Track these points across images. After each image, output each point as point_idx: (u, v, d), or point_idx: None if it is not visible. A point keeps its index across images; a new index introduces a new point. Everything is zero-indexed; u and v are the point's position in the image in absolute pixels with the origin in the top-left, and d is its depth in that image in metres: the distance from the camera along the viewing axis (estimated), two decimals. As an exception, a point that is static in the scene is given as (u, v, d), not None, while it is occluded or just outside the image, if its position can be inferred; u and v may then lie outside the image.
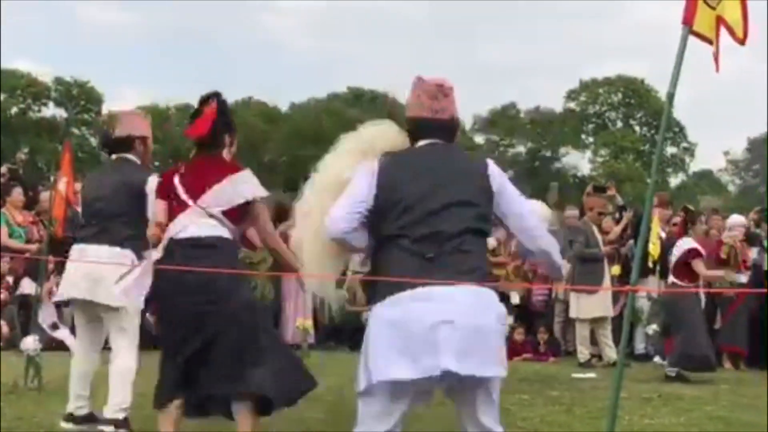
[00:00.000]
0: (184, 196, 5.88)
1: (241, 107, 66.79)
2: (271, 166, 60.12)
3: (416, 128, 4.70)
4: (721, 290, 13.72)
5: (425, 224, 4.37)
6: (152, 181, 6.66)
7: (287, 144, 63.06)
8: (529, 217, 4.69)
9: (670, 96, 3.63)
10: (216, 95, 6.21)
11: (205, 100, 6.19)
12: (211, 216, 5.80)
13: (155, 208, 6.17)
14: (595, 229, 13.72)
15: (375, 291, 4.43)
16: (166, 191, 6.04)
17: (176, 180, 5.97)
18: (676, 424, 8.66)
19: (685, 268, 11.93)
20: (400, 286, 4.25)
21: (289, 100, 72.96)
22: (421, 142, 4.67)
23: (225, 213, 5.83)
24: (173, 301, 5.75)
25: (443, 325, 4.17)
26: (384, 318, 4.31)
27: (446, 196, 4.42)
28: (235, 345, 5.70)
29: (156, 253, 5.81)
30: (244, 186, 5.95)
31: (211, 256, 5.67)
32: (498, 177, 4.63)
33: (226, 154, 6.16)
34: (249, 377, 5.69)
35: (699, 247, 12.04)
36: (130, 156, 7.19)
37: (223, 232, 5.82)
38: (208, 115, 6.07)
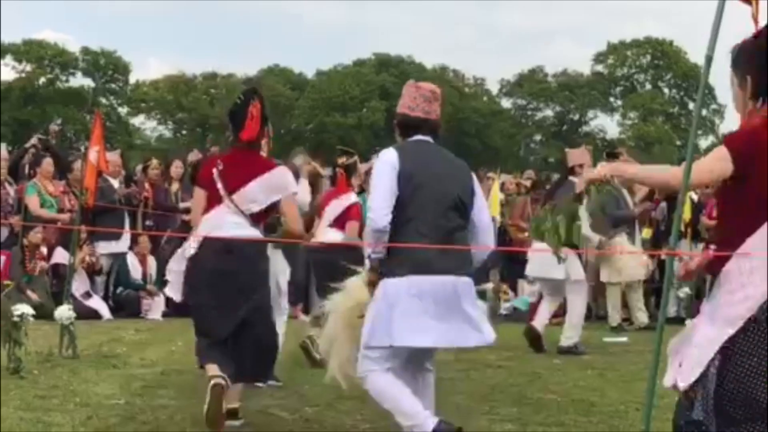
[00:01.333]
0: (222, 191, 6.18)
1: (266, 74, 66.77)
2: (297, 133, 60.20)
3: (409, 125, 5.49)
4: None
5: (433, 213, 5.24)
6: None
7: (313, 111, 63.04)
8: (487, 231, 5.56)
9: (709, 59, 3.56)
10: (256, 92, 6.47)
11: (246, 99, 6.40)
12: (243, 213, 6.18)
13: (195, 196, 6.51)
14: (624, 191, 13.63)
15: (394, 265, 5.25)
16: (206, 182, 6.30)
17: (215, 172, 6.20)
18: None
19: None
20: (420, 265, 5.16)
21: (315, 66, 72.86)
22: (414, 138, 5.47)
23: (255, 213, 6.23)
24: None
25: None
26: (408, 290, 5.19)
27: (450, 187, 5.32)
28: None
29: (191, 249, 6.24)
30: (277, 184, 6.29)
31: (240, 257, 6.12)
32: (476, 182, 5.54)
33: (264, 146, 6.61)
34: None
35: None
36: None
37: (251, 231, 6.18)
38: (255, 116, 6.31)
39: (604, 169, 4.26)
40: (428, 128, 5.46)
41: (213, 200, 6.21)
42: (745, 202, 3.71)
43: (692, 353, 3.75)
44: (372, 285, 5.34)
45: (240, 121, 6.30)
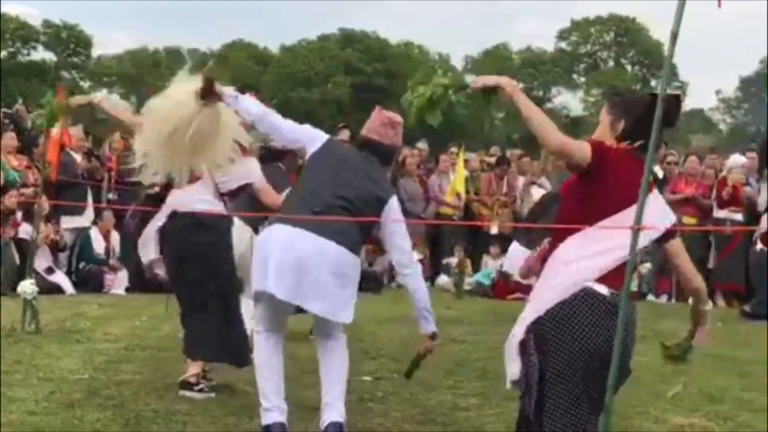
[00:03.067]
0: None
1: (230, 49, 66.35)
2: (261, 108, 59.81)
3: (362, 143, 5.82)
4: (721, 229, 13.78)
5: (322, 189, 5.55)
6: None
7: (278, 86, 62.74)
8: (401, 252, 5.76)
9: (674, 35, 3.57)
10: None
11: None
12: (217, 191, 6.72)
13: None
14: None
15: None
16: None
17: None
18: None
19: None
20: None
21: (280, 41, 72.42)
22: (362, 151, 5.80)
23: (228, 191, 6.78)
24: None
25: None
26: None
27: (352, 183, 5.57)
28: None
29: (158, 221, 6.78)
30: (246, 172, 6.79)
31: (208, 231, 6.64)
32: (394, 208, 5.71)
33: None
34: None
35: None
36: None
37: (218, 208, 6.73)
38: None
39: (501, 79, 4.45)
40: (376, 148, 5.75)
41: (192, 178, 6.61)
42: (586, 201, 4.19)
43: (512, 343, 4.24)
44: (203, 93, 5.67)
45: None
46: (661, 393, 7.06)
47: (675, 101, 4.39)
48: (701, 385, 7.61)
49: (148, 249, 6.84)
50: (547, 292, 4.15)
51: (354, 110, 57.98)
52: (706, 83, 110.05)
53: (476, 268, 15.21)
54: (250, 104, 5.74)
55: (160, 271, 6.88)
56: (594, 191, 4.17)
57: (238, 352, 6.70)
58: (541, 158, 15.26)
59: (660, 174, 14.62)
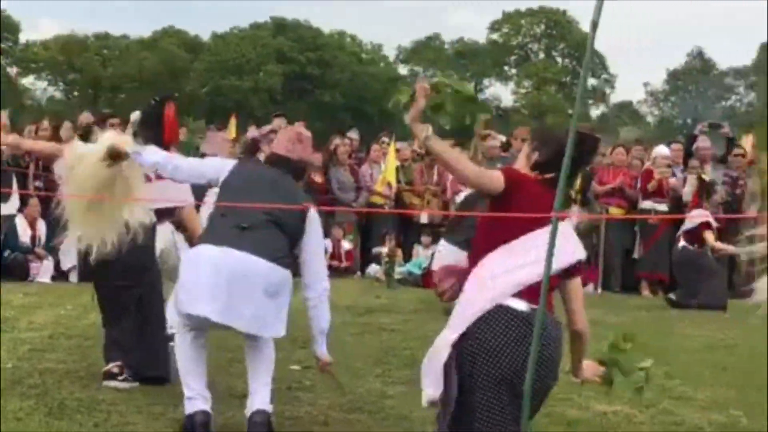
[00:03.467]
0: None
1: (161, 36, 65.67)
2: (192, 96, 59.38)
3: (272, 160, 5.94)
4: (645, 216, 13.96)
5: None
6: None
7: (209, 74, 62.23)
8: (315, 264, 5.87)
9: (594, 24, 3.61)
10: (170, 97, 7.08)
11: (160, 102, 6.94)
12: None
13: None
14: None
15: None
16: None
17: None
18: (596, 351, 8.80)
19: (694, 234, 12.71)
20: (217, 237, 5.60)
21: (211, 29, 71.86)
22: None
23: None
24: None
25: None
26: None
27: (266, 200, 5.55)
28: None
29: None
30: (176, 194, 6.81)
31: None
32: (312, 223, 5.78)
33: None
34: None
35: (711, 220, 12.56)
36: None
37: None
38: (172, 119, 6.87)
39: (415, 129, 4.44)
40: (286, 164, 5.85)
41: None
42: (498, 227, 4.24)
43: (434, 363, 4.23)
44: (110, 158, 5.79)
45: (158, 124, 6.75)
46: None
47: (593, 142, 4.54)
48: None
49: (69, 256, 6.83)
50: (468, 309, 4.16)
51: (286, 99, 57.85)
52: (635, 76, 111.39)
53: (407, 258, 15.26)
54: (153, 156, 5.83)
55: (74, 279, 6.91)
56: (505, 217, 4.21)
57: (156, 362, 6.67)
58: (471, 148, 15.33)
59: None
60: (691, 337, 9.95)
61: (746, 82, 67.09)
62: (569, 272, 4.33)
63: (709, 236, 12.59)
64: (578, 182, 13.89)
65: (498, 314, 4.09)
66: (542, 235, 4.01)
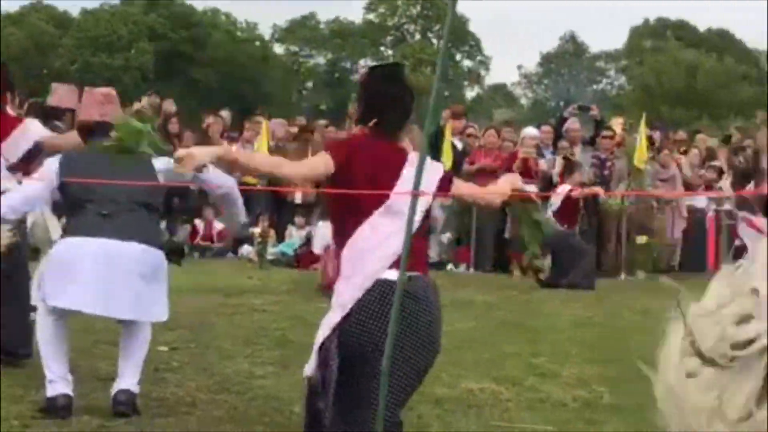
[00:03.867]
0: None
1: (28, 11, 63.92)
2: (61, 72, 57.98)
3: (86, 129, 5.85)
4: (520, 194, 14.10)
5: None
6: None
7: (78, 50, 60.81)
8: None
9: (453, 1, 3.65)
10: None
11: None
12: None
13: None
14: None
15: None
16: None
17: None
18: (468, 329, 8.94)
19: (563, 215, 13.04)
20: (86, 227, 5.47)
21: (81, 5, 70.20)
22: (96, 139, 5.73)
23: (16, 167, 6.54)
24: None
25: None
26: None
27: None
28: None
29: None
30: (30, 133, 6.58)
31: None
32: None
33: (10, 109, 6.91)
34: None
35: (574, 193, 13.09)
36: None
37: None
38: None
39: (215, 151, 4.35)
40: (103, 130, 5.72)
41: None
42: (349, 199, 4.14)
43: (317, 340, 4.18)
44: None
45: None
46: (455, 360, 7.25)
47: (395, 69, 4.55)
48: (492, 351, 7.85)
49: None
50: (347, 290, 4.10)
51: (158, 78, 56.89)
52: (509, 59, 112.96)
53: (280, 238, 15.20)
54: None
55: None
56: (348, 188, 4.13)
57: (21, 339, 6.51)
58: (346, 127, 15.33)
59: (459, 146, 14.96)
60: (560, 316, 10.13)
61: (617, 66, 68.64)
62: (446, 185, 4.34)
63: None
64: (449, 162, 14.04)
65: (376, 290, 4.03)
66: (400, 197, 4.00)
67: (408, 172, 4.05)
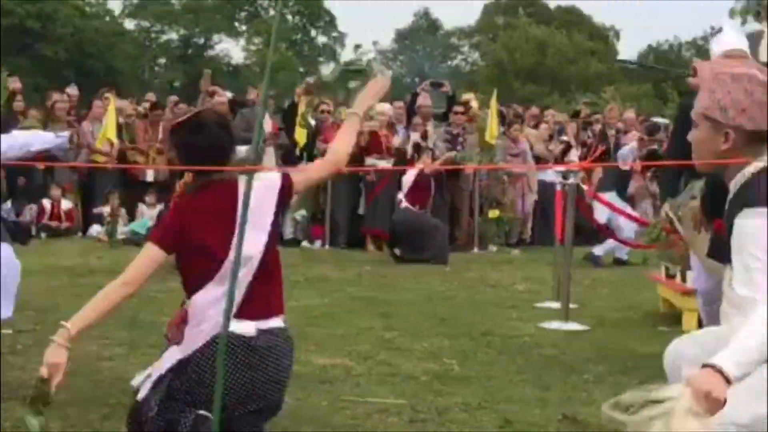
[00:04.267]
0: None
1: None
2: None
3: None
4: (368, 168, 14.18)
5: None
6: None
7: None
8: None
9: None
10: None
11: None
12: None
13: None
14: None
15: None
16: None
17: None
18: (322, 306, 8.95)
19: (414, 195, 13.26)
20: None
21: None
22: None
23: None
24: None
25: None
26: None
27: None
28: None
29: None
30: None
31: None
32: None
33: None
34: None
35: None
36: None
37: None
38: None
39: None
40: None
41: None
42: (188, 270, 4.01)
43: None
44: None
45: None
46: (308, 336, 7.25)
47: (202, 117, 4.19)
48: (345, 326, 7.87)
49: None
50: (191, 339, 3.94)
51: (5, 54, 55.06)
52: (365, 35, 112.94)
53: (131, 217, 14.93)
54: None
55: None
56: (189, 260, 4.00)
57: None
58: (198, 104, 15.13)
59: (312, 123, 14.90)
60: (412, 290, 10.22)
61: (470, 42, 69.42)
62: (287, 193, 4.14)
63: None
64: (303, 139, 14.01)
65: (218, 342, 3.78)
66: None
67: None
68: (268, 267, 4.01)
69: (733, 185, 3.42)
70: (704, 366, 2.95)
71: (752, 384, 3.04)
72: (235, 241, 3.69)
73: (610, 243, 12.60)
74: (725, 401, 2.89)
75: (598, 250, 13.02)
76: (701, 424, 2.89)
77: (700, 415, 2.89)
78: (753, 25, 28.41)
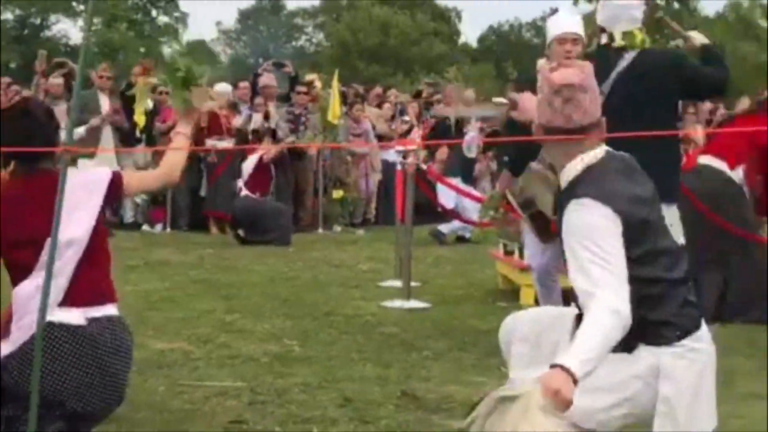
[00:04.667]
0: None
1: None
2: None
3: None
4: (206, 149, 14.01)
5: None
6: None
7: None
8: None
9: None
10: None
11: None
12: None
13: None
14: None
15: None
16: None
17: None
18: (162, 290, 8.81)
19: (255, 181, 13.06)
20: None
21: None
22: None
23: None
24: None
25: None
26: None
27: None
28: None
29: None
30: None
31: None
32: None
33: None
34: None
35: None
36: None
37: None
38: None
39: None
40: None
41: None
42: (12, 262, 3.93)
43: None
44: None
45: None
46: (147, 321, 7.13)
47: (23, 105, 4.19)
48: (185, 310, 7.76)
49: None
50: (15, 332, 3.83)
51: None
52: (208, 14, 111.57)
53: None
54: None
55: None
56: (10, 253, 3.92)
57: None
58: (32, 87, 14.68)
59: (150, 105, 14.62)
60: (255, 272, 10.15)
61: (315, 23, 69.30)
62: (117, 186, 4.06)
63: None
64: (142, 121, 13.73)
65: (47, 333, 3.72)
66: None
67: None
68: (95, 252, 3.92)
69: (564, 179, 3.47)
70: (552, 366, 3.01)
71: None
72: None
73: (456, 223, 12.76)
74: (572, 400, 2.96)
75: (443, 227, 13.16)
76: (551, 421, 2.96)
77: (551, 412, 2.95)
78: (585, 6, 29.24)
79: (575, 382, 2.96)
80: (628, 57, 5.74)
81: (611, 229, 3.24)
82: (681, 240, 5.45)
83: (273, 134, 14.23)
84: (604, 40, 5.88)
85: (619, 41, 5.79)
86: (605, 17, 5.91)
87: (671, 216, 5.22)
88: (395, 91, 19.27)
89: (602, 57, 5.62)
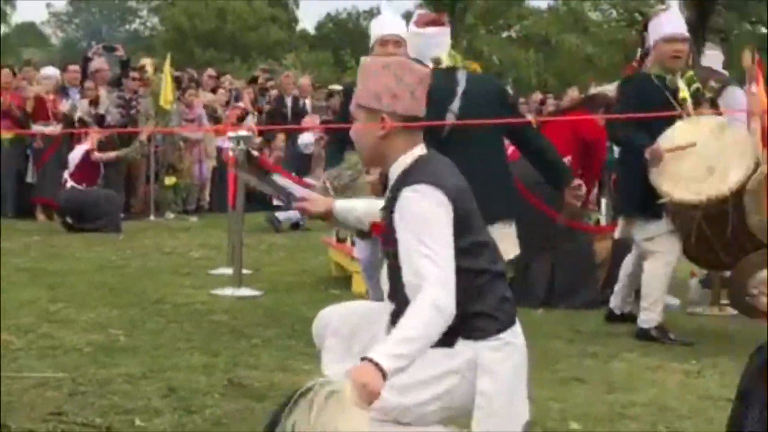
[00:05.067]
0: None
1: None
2: None
3: None
4: (39, 133, 13.62)
5: None
6: None
7: None
8: None
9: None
10: None
11: None
12: None
13: None
14: None
15: None
16: None
17: None
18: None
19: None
20: None
21: None
22: None
23: None
24: None
25: None
26: None
27: None
28: None
29: None
30: None
31: None
32: None
33: None
34: None
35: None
36: None
37: None
38: None
39: None
40: None
41: None
42: None
43: None
44: None
45: None
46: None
47: None
48: (8, 299, 7.49)
49: None
50: None
51: None
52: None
53: None
54: None
55: None
56: None
57: None
58: None
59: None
60: (83, 260, 9.93)
61: (149, 6, 68.03)
62: None
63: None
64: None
65: None
66: None
67: None
68: None
69: (394, 173, 3.47)
70: (363, 359, 3.00)
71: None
72: None
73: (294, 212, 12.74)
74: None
75: (281, 214, 13.09)
76: (359, 415, 2.96)
77: (359, 405, 2.95)
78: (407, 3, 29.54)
79: (384, 376, 2.98)
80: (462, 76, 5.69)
81: (443, 219, 3.25)
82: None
83: (101, 120, 13.91)
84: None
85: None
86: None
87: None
88: (230, 77, 19.08)
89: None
